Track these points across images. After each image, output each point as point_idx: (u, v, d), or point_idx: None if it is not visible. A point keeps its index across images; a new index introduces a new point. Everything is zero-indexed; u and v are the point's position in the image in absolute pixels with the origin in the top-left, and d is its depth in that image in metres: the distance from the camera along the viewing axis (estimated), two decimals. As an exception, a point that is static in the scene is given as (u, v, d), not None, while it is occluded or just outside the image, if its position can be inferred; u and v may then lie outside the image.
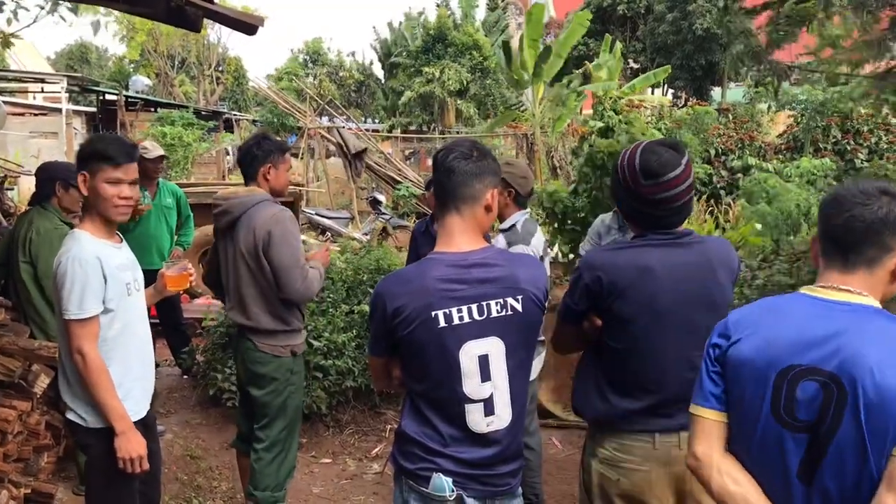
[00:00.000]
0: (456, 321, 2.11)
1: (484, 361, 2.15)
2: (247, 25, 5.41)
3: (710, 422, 1.84)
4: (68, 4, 5.95)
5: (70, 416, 2.73)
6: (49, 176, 4.11)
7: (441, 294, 2.11)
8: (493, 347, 2.15)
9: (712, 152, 13.44)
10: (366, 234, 11.31)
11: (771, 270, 5.26)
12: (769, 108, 15.32)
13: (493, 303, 2.14)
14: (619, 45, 17.13)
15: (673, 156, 2.33)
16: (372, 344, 2.33)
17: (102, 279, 2.62)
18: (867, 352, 1.63)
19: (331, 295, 5.59)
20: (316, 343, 5.19)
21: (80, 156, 2.70)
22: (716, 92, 24.72)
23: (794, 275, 5.14)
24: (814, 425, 1.68)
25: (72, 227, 4.16)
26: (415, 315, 2.11)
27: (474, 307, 2.13)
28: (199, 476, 4.57)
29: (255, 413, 3.67)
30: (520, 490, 2.32)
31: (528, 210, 3.74)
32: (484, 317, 2.13)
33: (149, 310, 6.55)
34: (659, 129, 11.93)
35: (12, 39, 6.84)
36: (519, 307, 2.16)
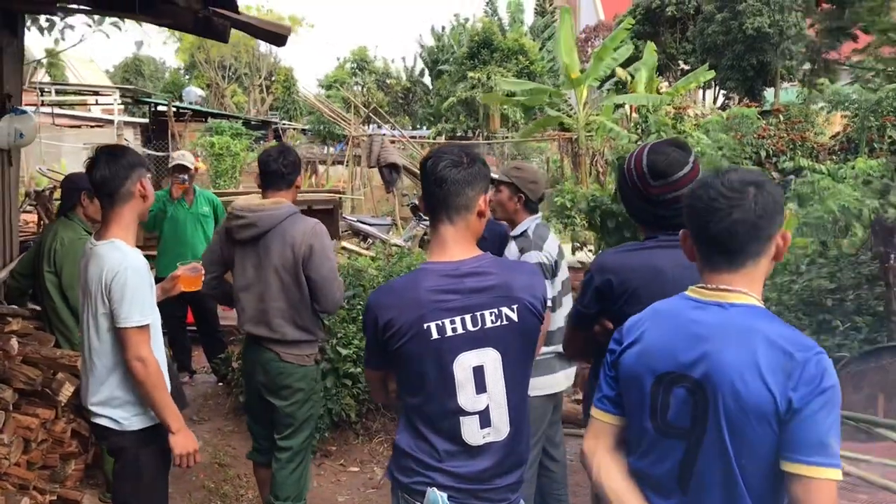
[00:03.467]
0: (449, 333, 2.05)
1: (479, 372, 2.08)
2: (275, 35, 5.43)
3: (601, 423, 1.88)
4: (109, 20, 6.11)
5: (100, 420, 2.75)
6: (74, 186, 4.13)
7: (433, 305, 2.05)
8: (489, 358, 2.09)
9: (763, 154, 13.17)
10: (406, 241, 11.30)
11: (810, 275, 5.04)
12: (823, 108, 14.92)
13: (487, 313, 2.08)
14: (650, 45, 16.84)
15: (681, 155, 2.28)
16: (367, 357, 2.29)
17: (151, 285, 2.74)
18: (730, 358, 1.61)
19: (361, 302, 5.57)
20: (345, 351, 5.16)
21: (137, 162, 2.76)
22: (768, 93, 24.13)
23: (837, 279, 4.93)
24: (687, 432, 1.67)
25: (97, 237, 4.22)
26: (406, 328, 2.06)
27: (468, 318, 2.07)
28: (226, 484, 4.59)
29: (277, 423, 3.64)
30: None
31: (541, 214, 3.64)
32: (478, 327, 2.07)
33: (185, 317, 6.59)
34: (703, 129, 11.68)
35: (61, 56, 7.04)
36: (514, 316, 2.10)
